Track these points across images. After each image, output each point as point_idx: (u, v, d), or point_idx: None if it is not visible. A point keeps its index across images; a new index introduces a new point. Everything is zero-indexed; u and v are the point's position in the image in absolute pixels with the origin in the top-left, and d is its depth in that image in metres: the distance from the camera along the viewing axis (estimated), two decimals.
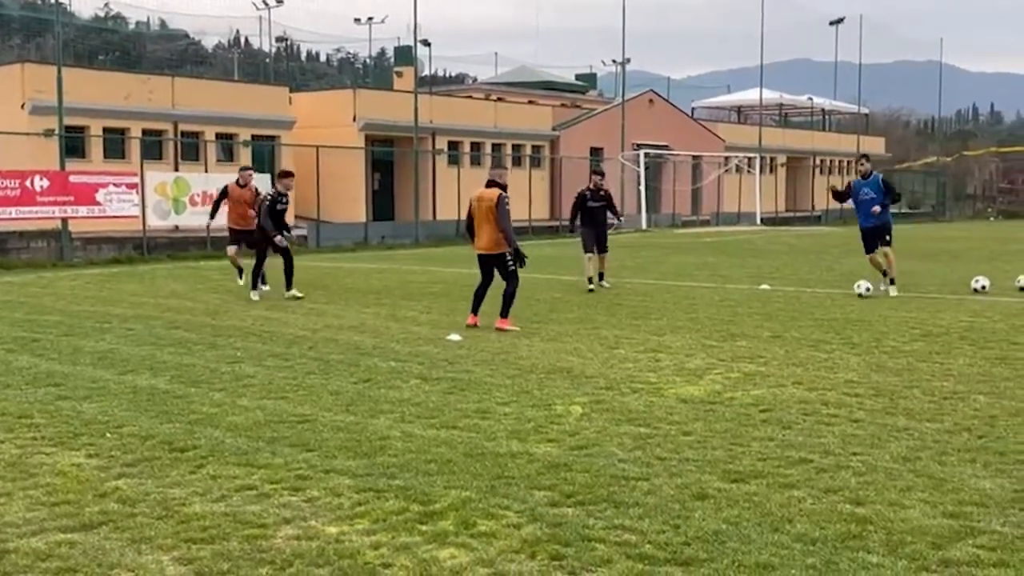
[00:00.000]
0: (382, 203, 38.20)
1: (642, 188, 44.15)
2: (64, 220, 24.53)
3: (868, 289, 14.90)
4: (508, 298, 11.77)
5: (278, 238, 14.72)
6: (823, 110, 67.88)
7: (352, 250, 29.24)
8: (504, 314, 11.74)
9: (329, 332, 11.55)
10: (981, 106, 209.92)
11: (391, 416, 7.28)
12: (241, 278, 16.53)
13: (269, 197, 14.89)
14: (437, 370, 9.10)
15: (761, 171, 51.86)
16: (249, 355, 9.97)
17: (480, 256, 12.02)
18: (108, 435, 6.75)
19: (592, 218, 16.27)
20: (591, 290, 15.80)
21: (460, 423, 7.06)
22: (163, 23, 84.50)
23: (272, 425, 7.01)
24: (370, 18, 62.91)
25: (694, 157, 50.20)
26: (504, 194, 11.69)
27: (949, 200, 70.38)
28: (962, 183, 76.63)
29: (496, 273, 11.95)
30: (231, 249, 16.81)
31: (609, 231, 16.55)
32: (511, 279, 11.81)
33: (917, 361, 9.50)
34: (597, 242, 16.23)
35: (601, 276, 16.29)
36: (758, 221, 49.23)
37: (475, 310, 11.98)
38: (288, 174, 15.54)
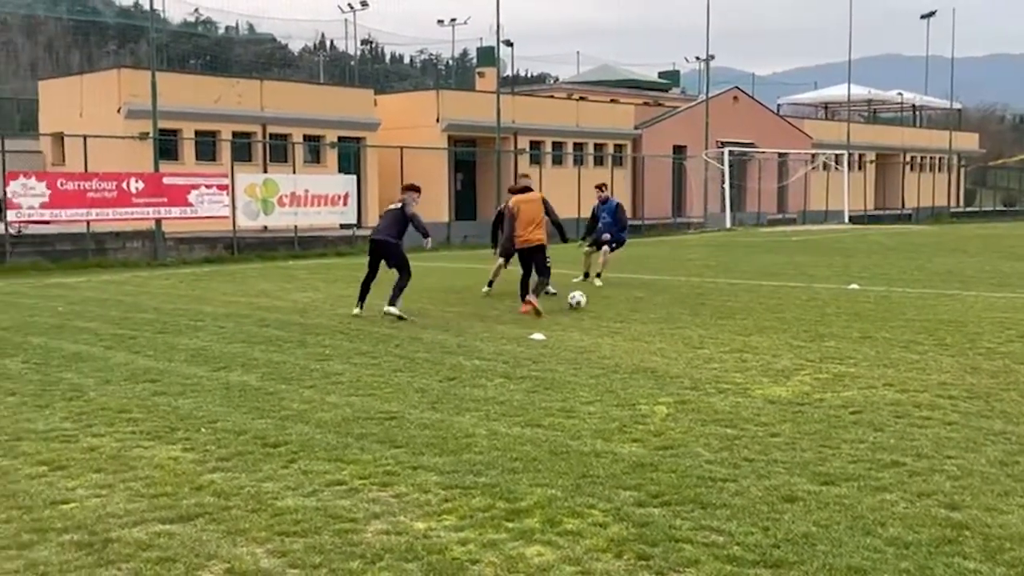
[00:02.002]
0: (464, 203, 38.43)
1: (726, 186, 43.63)
2: (158, 221, 25.26)
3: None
4: (540, 284, 13.57)
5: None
6: (913, 106, 66.24)
7: (435, 249, 29.49)
8: (537, 293, 13.29)
9: (414, 330, 11.68)
10: None
11: (476, 414, 7.34)
12: None
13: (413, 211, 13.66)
14: (521, 369, 9.14)
15: (849, 168, 50.83)
16: (337, 353, 10.14)
17: (528, 248, 13.56)
18: (203, 430, 6.94)
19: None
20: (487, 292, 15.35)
21: (545, 421, 7.09)
22: (251, 27, 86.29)
23: (360, 421, 7.13)
24: (453, 20, 63.32)
25: (780, 154, 49.42)
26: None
27: None
28: None
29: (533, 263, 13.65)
30: None
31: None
32: (547, 272, 13.65)
33: (1014, 363, 9.23)
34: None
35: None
36: (846, 219, 48.28)
37: (523, 297, 13.28)
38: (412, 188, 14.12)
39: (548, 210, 14.29)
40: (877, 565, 4.37)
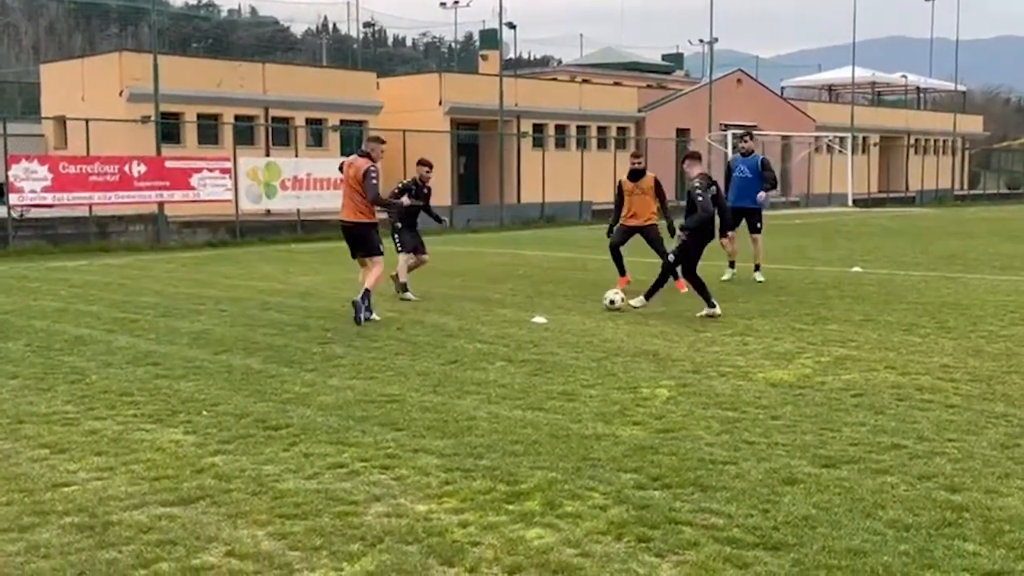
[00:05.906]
0: (467, 186, 38.38)
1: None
2: (160, 204, 25.25)
3: (612, 303, 11.95)
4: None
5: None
6: (918, 88, 65.97)
7: (438, 233, 29.46)
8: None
9: (416, 314, 11.68)
10: None
11: (477, 397, 7.34)
12: None
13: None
14: (522, 352, 9.14)
15: (853, 151, 50.66)
16: (339, 336, 10.14)
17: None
18: (204, 413, 6.95)
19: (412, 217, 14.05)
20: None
21: (546, 405, 7.09)
22: (253, 10, 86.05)
23: (362, 405, 7.13)
24: (456, 2, 62.98)
25: (783, 137, 49.26)
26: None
27: None
28: None
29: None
30: None
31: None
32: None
33: (1016, 346, 9.22)
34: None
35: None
36: (850, 202, 48.17)
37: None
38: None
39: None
40: (877, 547, 4.37)
